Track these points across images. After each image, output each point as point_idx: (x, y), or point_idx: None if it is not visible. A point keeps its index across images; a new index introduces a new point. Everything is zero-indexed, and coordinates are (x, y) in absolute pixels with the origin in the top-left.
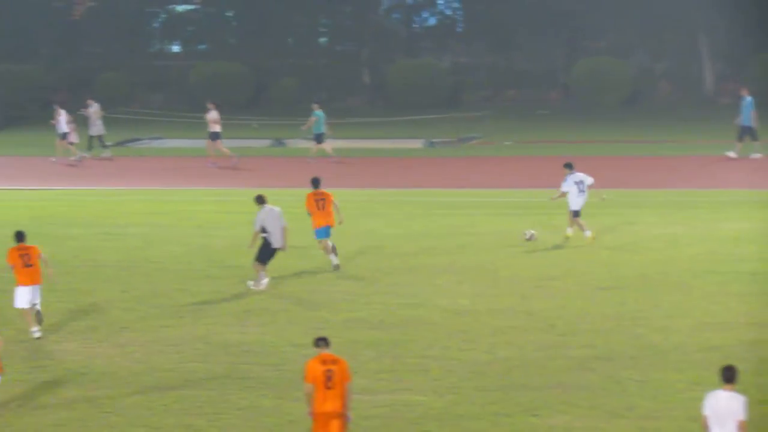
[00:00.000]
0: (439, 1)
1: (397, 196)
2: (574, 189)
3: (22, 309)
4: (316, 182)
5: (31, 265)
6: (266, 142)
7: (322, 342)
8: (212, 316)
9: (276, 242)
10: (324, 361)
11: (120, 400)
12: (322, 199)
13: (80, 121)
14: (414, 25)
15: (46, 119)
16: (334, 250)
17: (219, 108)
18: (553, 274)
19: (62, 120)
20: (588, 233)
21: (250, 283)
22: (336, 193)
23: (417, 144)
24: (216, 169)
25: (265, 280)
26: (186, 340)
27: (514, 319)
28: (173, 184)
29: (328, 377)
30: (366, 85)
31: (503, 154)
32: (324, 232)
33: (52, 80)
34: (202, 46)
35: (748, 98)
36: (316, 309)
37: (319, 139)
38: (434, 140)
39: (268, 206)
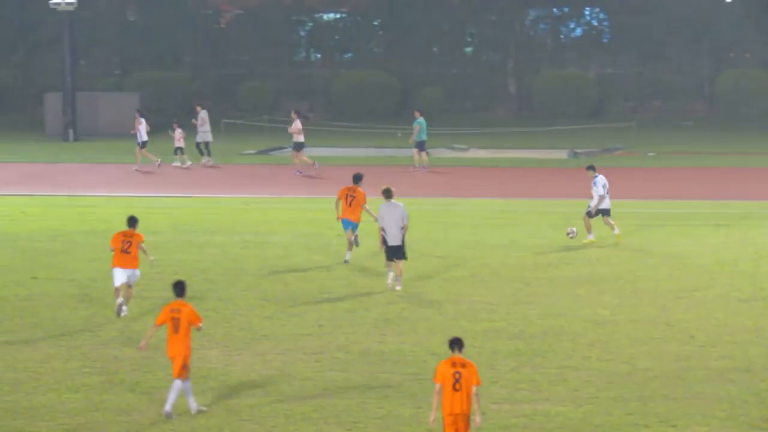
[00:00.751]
0: (585, 12)
1: (541, 206)
2: (603, 191)
3: (116, 287)
4: (356, 178)
5: (128, 252)
6: (410, 152)
7: (455, 345)
8: (352, 325)
9: (392, 239)
10: (454, 364)
11: (258, 408)
12: (353, 197)
13: (191, 129)
14: (560, 36)
15: (193, 127)
16: (353, 243)
17: (302, 117)
18: (694, 285)
19: (142, 128)
20: (617, 231)
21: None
22: (480, 203)
23: (561, 154)
24: (301, 176)
25: (391, 275)
26: (325, 349)
27: (653, 329)
28: (316, 192)
29: (456, 379)
30: (511, 95)
31: (647, 165)
32: (348, 223)
33: (196, 88)
34: (347, 55)
35: None
36: (456, 318)
37: (420, 146)
38: (578, 150)
39: (392, 201)
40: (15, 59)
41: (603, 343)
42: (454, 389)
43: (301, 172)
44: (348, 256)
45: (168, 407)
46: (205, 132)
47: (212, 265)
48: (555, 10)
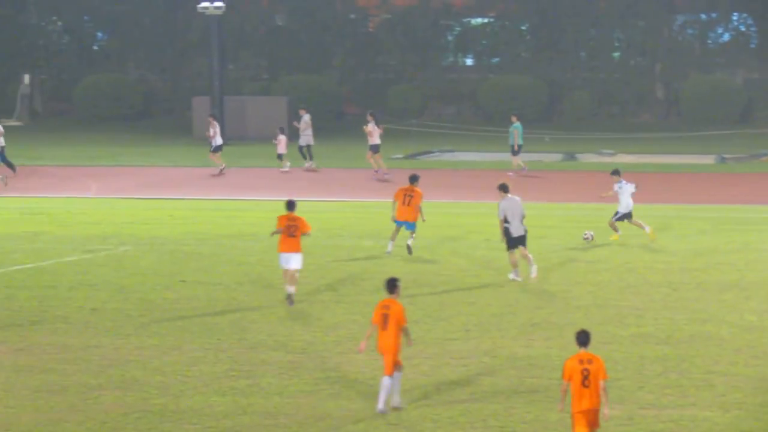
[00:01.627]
0: (733, 17)
1: (688, 211)
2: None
3: (284, 269)
4: (412, 179)
5: (294, 236)
6: (558, 156)
7: (582, 341)
8: (499, 330)
9: (515, 230)
10: (581, 361)
11: (406, 412)
12: (410, 196)
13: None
14: (708, 41)
15: (340, 130)
16: (407, 250)
17: (377, 120)
18: None
19: (217, 132)
20: (619, 232)
21: (510, 275)
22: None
23: (708, 159)
24: (377, 181)
25: (529, 270)
26: (472, 354)
27: None
28: (463, 197)
29: (585, 376)
30: (658, 100)
31: None
32: (402, 223)
33: (345, 91)
34: (495, 60)
35: None
36: (604, 323)
37: (515, 151)
38: (726, 156)
39: (509, 195)
40: (164, 63)
41: (750, 348)
42: (583, 386)
43: (379, 171)
44: (390, 247)
45: (381, 405)
46: (307, 135)
47: (358, 269)
48: (703, 15)
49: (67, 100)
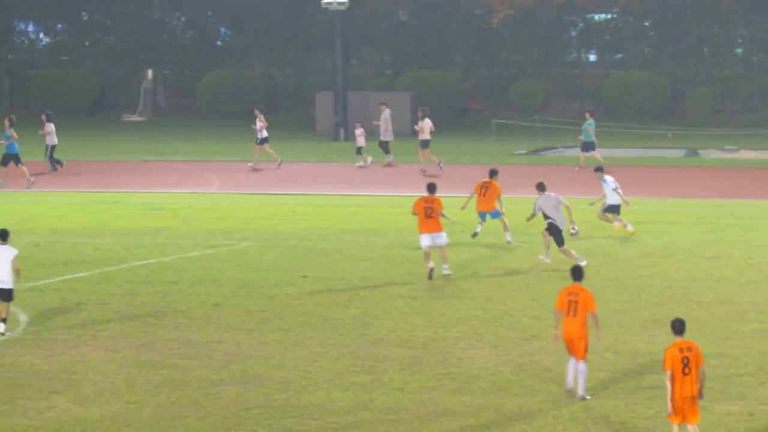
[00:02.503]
0: None
1: None
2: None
3: (424, 250)
4: (492, 173)
5: (431, 217)
6: (680, 152)
7: (678, 327)
8: (621, 326)
9: (562, 224)
10: (681, 349)
11: (528, 407)
12: (487, 187)
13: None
14: None
15: (462, 126)
16: (505, 227)
17: (430, 115)
18: None
19: (261, 125)
20: (617, 223)
21: (541, 256)
22: (749, 204)
23: None
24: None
25: (583, 263)
26: (594, 350)
27: None
28: (588, 192)
29: (685, 364)
30: None
31: None
32: (484, 214)
33: (468, 87)
34: (618, 55)
35: None
36: (724, 319)
37: (587, 147)
38: None
39: (546, 193)
40: (287, 58)
41: None
42: (684, 374)
43: (428, 167)
44: (508, 237)
45: (581, 391)
46: (387, 131)
47: (482, 265)
48: None
49: (190, 96)
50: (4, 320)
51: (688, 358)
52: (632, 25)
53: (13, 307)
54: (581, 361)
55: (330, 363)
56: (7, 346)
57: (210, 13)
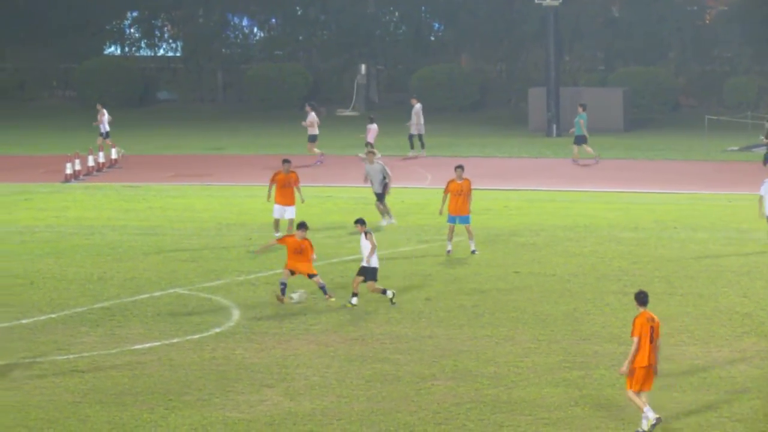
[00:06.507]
0: None
1: None
2: None
3: None
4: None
5: None
6: None
7: (643, 298)
8: None
9: None
10: (648, 318)
11: (737, 404)
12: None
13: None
14: None
15: (675, 122)
16: None
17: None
18: None
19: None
20: None
21: None
22: None
23: None
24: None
25: None
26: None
27: None
28: None
29: (651, 333)
30: None
31: None
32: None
33: (681, 83)
34: None
35: None
36: None
37: (579, 141)
38: None
39: None
40: (500, 54)
41: None
42: (650, 341)
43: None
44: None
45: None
46: (419, 125)
47: (692, 262)
48: None
49: (402, 91)
50: None
51: (653, 328)
52: None
53: (225, 300)
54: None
55: (541, 358)
56: (219, 339)
57: (423, 8)
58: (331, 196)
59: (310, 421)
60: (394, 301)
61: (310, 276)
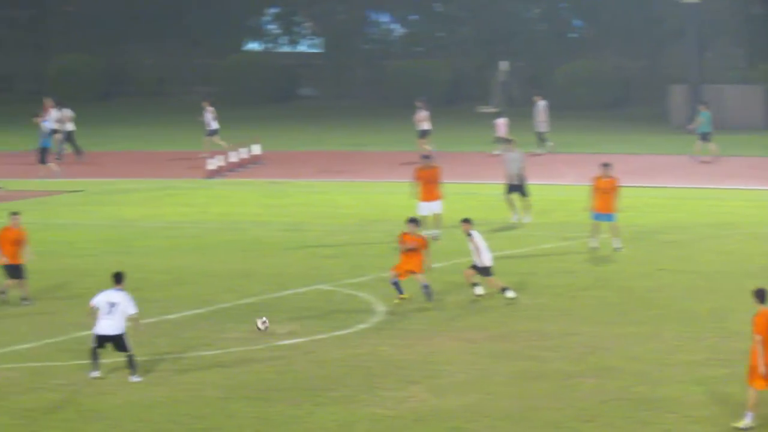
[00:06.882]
0: None
1: None
2: None
3: None
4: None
5: None
6: None
7: (762, 296)
8: None
9: None
10: None
11: None
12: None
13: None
14: None
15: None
16: None
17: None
18: None
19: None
20: None
21: None
22: None
23: None
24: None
25: None
26: None
27: None
28: None
29: None
30: None
31: None
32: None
33: None
34: None
35: None
36: None
37: (704, 137)
38: None
39: None
40: (641, 51)
41: None
42: None
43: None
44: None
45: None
46: (542, 122)
47: None
48: None
49: (541, 87)
50: None
51: None
52: None
53: (369, 296)
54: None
55: (686, 356)
56: (364, 335)
57: (563, 5)
58: (475, 193)
59: (457, 418)
60: (512, 298)
61: (413, 274)
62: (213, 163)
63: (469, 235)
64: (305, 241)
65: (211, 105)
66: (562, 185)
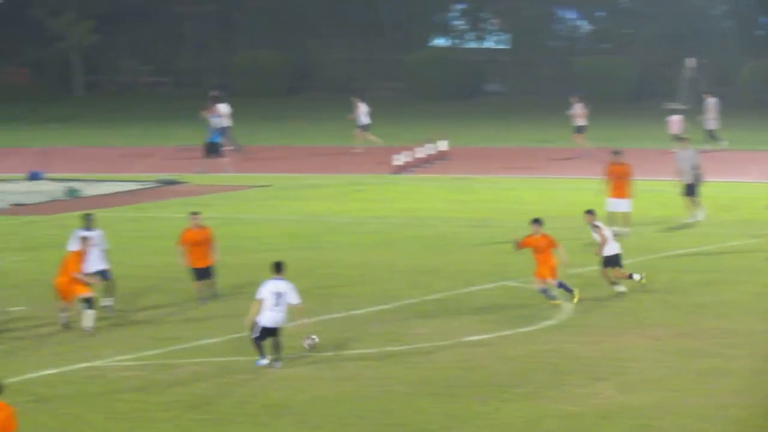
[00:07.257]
0: None
1: None
2: None
3: None
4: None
5: None
6: None
7: None
8: None
9: None
10: None
11: None
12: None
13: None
14: None
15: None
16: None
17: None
18: None
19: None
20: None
21: None
22: None
23: None
24: None
25: None
26: None
27: None
28: None
29: None
30: None
31: None
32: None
33: None
34: None
35: None
36: None
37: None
38: None
39: None
40: None
41: None
42: None
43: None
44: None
45: None
46: (710, 120)
47: None
48: None
49: (727, 84)
50: None
51: None
52: None
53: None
54: None
55: None
56: (550, 332)
57: (750, 2)
58: (663, 190)
59: (644, 415)
60: (643, 282)
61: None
62: (400, 159)
63: (596, 226)
64: (491, 237)
65: (362, 100)
66: (745, 183)
